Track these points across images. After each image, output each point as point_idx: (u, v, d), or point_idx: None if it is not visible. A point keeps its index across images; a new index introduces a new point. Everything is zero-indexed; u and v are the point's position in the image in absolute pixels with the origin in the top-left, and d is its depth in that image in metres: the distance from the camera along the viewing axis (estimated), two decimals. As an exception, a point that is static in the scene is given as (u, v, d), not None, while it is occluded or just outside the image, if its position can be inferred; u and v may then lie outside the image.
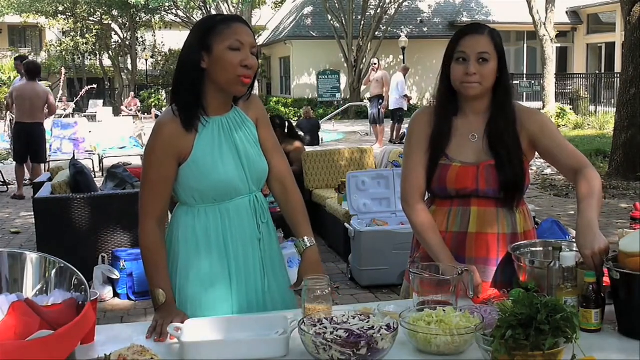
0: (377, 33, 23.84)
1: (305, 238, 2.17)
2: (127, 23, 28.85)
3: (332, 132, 17.39)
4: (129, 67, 30.29)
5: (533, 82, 21.60)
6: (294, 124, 9.41)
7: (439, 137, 2.20)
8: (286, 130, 7.36)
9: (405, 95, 14.68)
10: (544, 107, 18.07)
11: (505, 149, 2.17)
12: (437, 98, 2.26)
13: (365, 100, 16.07)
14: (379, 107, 14.10)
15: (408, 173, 2.25)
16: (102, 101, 26.21)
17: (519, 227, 2.22)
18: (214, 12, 23.62)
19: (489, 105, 2.22)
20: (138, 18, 28.65)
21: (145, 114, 24.56)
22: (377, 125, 14.41)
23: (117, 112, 22.92)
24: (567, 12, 26.01)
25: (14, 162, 9.55)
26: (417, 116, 2.31)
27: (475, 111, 2.22)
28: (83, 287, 1.63)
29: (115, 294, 5.01)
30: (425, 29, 26.51)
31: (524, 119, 2.21)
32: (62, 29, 29.16)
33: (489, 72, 2.15)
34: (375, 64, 15.22)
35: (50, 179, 6.34)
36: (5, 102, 9.03)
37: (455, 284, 1.92)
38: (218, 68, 1.98)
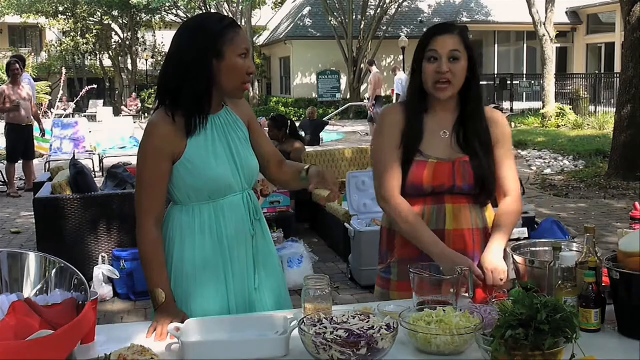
0: (377, 33, 23.85)
1: (305, 166, 2.22)
2: (128, 23, 28.85)
3: (332, 132, 17.44)
4: (129, 67, 30.29)
5: (533, 82, 21.62)
6: (297, 124, 9.41)
7: (412, 135, 2.20)
8: (288, 131, 7.37)
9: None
10: (543, 107, 18.07)
11: (480, 144, 2.20)
12: (409, 96, 2.26)
13: (365, 101, 16.24)
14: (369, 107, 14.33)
15: (383, 170, 2.21)
16: (102, 101, 26.24)
17: (488, 221, 2.27)
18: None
19: (458, 102, 2.23)
20: (138, 18, 28.65)
21: (145, 114, 24.52)
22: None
23: (117, 112, 22.93)
24: (566, 12, 25.99)
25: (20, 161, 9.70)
26: (388, 113, 2.30)
27: (445, 109, 2.23)
28: (83, 287, 1.63)
29: (115, 294, 5.02)
30: (425, 29, 26.41)
31: (492, 121, 2.26)
32: (63, 29, 29.16)
33: (460, 71, 2.16)
34: (370, 64, 15.48)
35: (50, 179, 6.35)
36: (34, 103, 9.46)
37: (456, 284, 1.92)
38: (228, 75, 2.01)
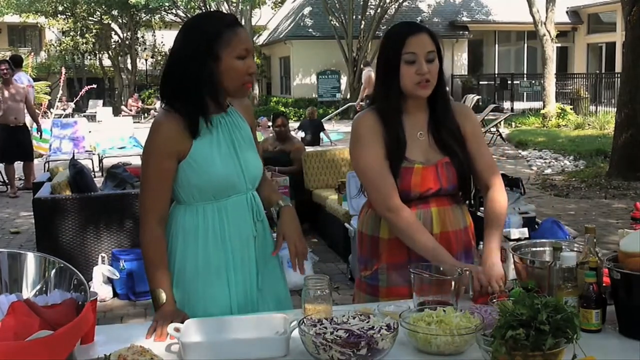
0: (377, 33, 23.85)
1: (279, 201, 2.18)
2: (127, 23, 28.84)
3: (332, 132, 17.44)
4: (129, 67, 30.28)
5: (533, 82, 21.60)
6: (297, 124, 9.41)
7: (397, 143, 2.16)
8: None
9: None
10: (544, 106, 18.06)
11: (456, 142, 2.19)
12: (386, 102, 2.18)
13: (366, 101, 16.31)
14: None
15: (381, 181, 2.15)
16: (101, 101, 26.22)
17: (467, 221, 2.27)
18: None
19: (427, 101, 2.21)
20: (138, 18, 28.64)
21: (145, 114, 24.52)
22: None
23: (116, 112, 22.93)
24: (567, 12, 25.99)
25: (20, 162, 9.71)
26: (364, 122, 2.22)
27: (418, 109, 2.21)
28: (83, 287, 1.63)
29: (115, 294, 5.01)
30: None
31: (459, 114, 2.25)
32: (62, 28, 29.12)
33: (436, 70, 2.14)
34: (365, 64, 15.52)
35: (49, 179, 6.34)
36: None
37: (456, 284, 1.92)
38: (226, 77, 2.00)
